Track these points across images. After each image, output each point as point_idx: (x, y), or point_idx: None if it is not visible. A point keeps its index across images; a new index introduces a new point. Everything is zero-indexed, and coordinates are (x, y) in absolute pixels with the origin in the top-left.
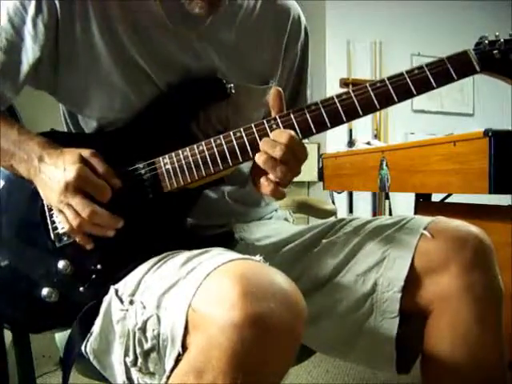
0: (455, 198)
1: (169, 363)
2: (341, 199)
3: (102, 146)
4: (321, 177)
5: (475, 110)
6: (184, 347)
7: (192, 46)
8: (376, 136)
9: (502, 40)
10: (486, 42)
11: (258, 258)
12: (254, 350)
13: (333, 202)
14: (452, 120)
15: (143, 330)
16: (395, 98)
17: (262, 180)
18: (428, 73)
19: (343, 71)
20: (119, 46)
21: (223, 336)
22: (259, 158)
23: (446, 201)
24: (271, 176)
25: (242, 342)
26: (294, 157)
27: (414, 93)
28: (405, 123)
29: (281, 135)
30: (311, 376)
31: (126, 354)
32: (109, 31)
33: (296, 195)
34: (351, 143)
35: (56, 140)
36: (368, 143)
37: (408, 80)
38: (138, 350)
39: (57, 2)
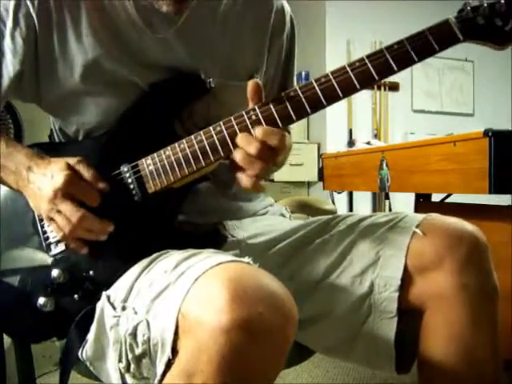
0: (455, 198)
1: (159, 368)
2: (341, 199)
3: (89, 151)
4: (321, 177)
5: (475, 110)
6: (174, 352)
7: (171, 47)
8: (376, 136)
9: (485, 4)
10: (469, 8)
11: (246, 259)
12: (242, 354)
13: (333, 202)
14: (452, 120)
15: (134, 335)
16: (376, 76)
17: (239, 175)
18: (408, 46)
19: None
20: (97, 54)
21: (211, 340)
22: (236, 155)
23: (446, 201)
24: (249, 172)
25: (229, 346)
26: (270, 149)
27: (395, 69)
28: (405, 123)
29: (257, 130)
30: (311, 376)
31: (119, 360)
32: (85, 41)
33: (296, 195)
34: (351, 143)
35: (43, 150)
36: (368, 143)
37: (388, 56)
38: (130, 356)
39: (33, 14)
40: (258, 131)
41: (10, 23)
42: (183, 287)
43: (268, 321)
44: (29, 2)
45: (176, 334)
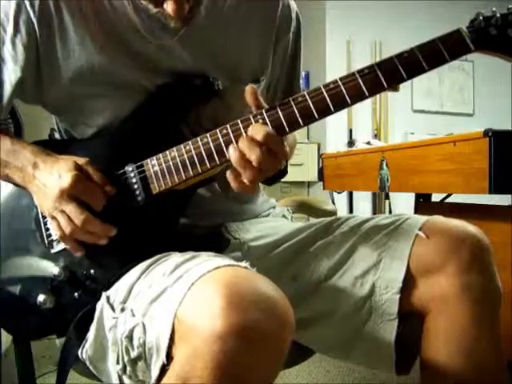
0: (455, 198)
1: (154, 372)
2: (341, 199)
3: (95, 150)
4: (321, 177)
5: (475, 110)
6: (170, 357)
7: (175, 53)
8: (376, 136)
9: (498, 15)
10: (481, 18)
11: (244, 263)
12: (238, 360)
13: (333, 202)
14: (452, 120)
15: (130, 338)
16: (385, 83)
17: (231, 176)
18: (419, 55)
19: (343, 71)
20: (102, 59)
21: (206, 347)
22: (233, 155)
23: (446, 201)
24: (243, 176)
25: (224, 353)
26: (270, 157)
27: (405, 77)
28: (405, 123)
29: (258, 132)
30: (311, 376)
31: (117, 362)
32: (89, 45)
33: (296, 195)
34: (351, 143)
35: (49, 148)
36: (368, 143)
37: (398, 64)
38: (126, 358)
39: (34, 20)
40: (260, 135)
41: (10, 29)
42: (180, 292)
43: (263, 327)
44: (29, 8)
45: (171, 339)
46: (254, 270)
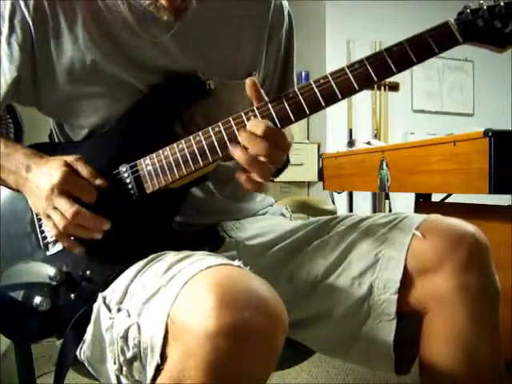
0: (455, 198)
1: (149, 372)
2: (341, 199)
3: (89, 151)
4: (321, 177)
5: (475, 110)
6: (164, 357)
7: (168, 51)
8: (376, 136)
9: (484, 7)
10: (469, 11)
11: (237, 262)
12: (229, 359)
13: (333, 202)
14: (452, 120)
15: (125, 338)
16: (374, 77)
17: (242, 176)
18: (407, 48)
19: None
20: (95, 58)
21: (198, 346)
22: (239, 156)
23: (446, 201)
24: (254, 173)
25: (216, 352)
26: (275, 148)
27: (394, 70)
28: (405, 123)
29: (257, 126)
30: (311, 376)
31: (114, 362)
32: (82, 45)
33: (296, 195)
34: (351, 143)
35: (43, 150)
36: (368, 143)
37: (387, 57)
38: (122, 359)
39: (29, 20)
40: (260, 129)
41: (5, 29)
42: (173, 292)
43: (255, 326)
44: (24, 8)
45: (165, 338)
46: (247, 269)
